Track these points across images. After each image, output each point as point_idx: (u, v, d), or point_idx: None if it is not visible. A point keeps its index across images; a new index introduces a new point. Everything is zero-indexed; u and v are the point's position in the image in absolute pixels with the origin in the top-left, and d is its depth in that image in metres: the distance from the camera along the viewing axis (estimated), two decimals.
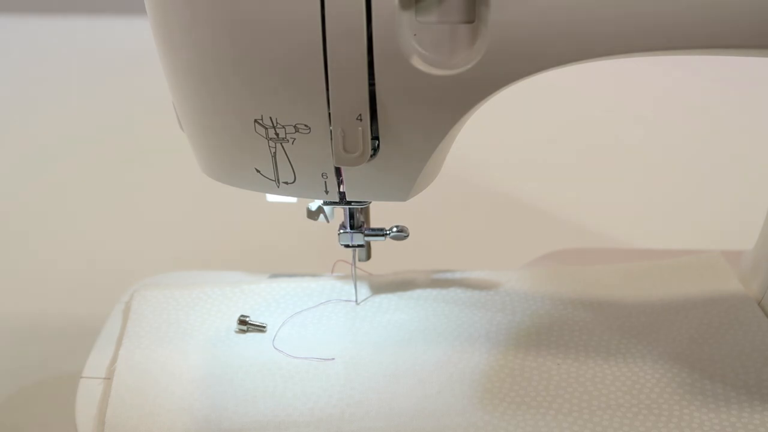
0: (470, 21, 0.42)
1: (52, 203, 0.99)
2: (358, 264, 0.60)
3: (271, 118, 0.46)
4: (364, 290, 0.62)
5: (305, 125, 0.46)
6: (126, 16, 1.49)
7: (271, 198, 0.57)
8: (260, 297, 0.61)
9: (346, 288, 0.62)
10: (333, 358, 0.55)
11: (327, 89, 0.44)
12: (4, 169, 1.08)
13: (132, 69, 1.28)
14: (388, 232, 0.58)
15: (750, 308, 0.57)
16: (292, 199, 0.59)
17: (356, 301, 0.61)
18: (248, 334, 0.58)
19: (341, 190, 0.49)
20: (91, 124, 1.20)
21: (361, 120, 0.44)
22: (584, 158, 1.09)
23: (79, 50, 1.47)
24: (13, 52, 1.49)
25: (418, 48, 0.43)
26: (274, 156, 0.48)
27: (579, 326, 0.57)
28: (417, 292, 0.61)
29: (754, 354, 0.53)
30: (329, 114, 0.45)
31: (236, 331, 0.58)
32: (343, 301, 0.61)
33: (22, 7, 1.60)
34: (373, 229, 0.57)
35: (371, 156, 0.46)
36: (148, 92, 1.01)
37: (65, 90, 1.32)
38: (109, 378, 0.54)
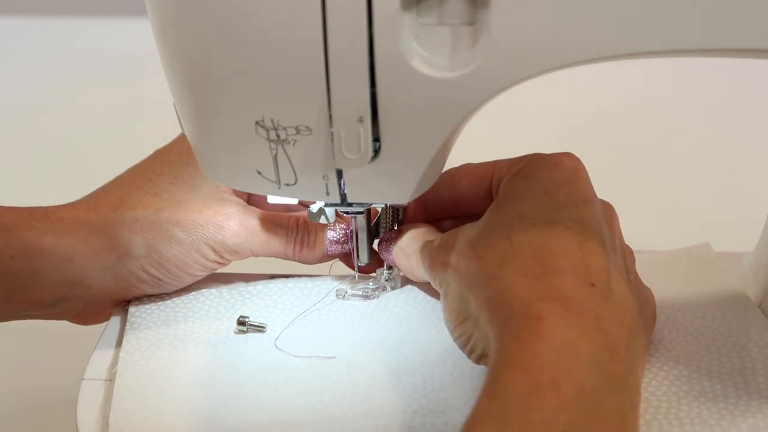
0: (471, 23, 0.42)
1: (52, 204, 0.99)
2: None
3: (272, 119, 0.46)
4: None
5: (306, 127, 0.46)
6: (127, 17, 1.49)
7: (273, 199, 0.57)
8: (258, 298, 0.61)
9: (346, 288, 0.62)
10: (334, 357, 0.55)
11: (328, 91, 0.44)
12: (5, 169, 1.08)
13: (133, 70, 1.29)
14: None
15: (750, 309, 0.57)
16: (294, 201, 0.59)
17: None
18: (248, 335, 0.58)
19: (342, 191, 0.50)
20: (92, 124, 1.20)
21: (362, 122, 0.45)
22: (583, 158, 1.09)
23: (80, 51, 1.48)
24: (13, 52, 1.49)
25: (419, 50, 0.43)
26: (275, 158, 0.48)
27: None
28: (417, 289, 0.61)
29: (755, 355, 0.53)
30: (330, 116, 0.45)
31: (235, 332, 0.58)
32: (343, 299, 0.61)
33: (23, 8, 1.60)
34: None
35: (372, 158, 0.46)
36: (149, 93, 1.01)
37: (67, 91, 1.32)
38: (110, 380, 0.54)
